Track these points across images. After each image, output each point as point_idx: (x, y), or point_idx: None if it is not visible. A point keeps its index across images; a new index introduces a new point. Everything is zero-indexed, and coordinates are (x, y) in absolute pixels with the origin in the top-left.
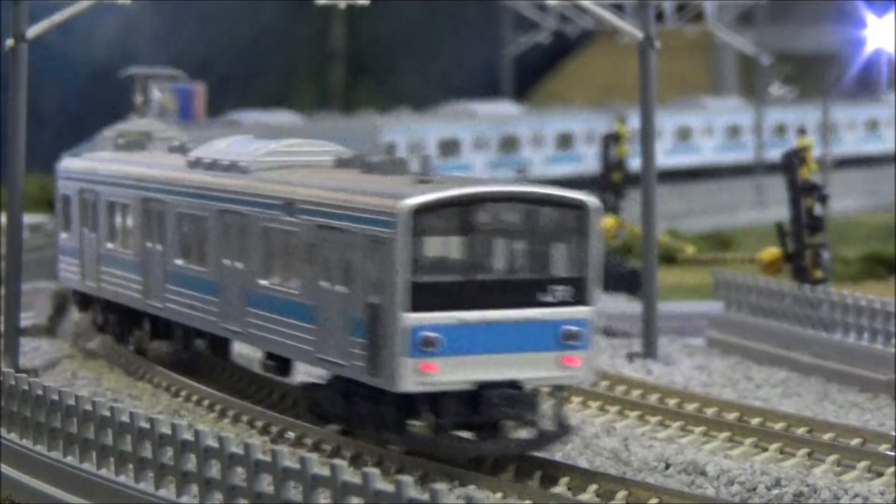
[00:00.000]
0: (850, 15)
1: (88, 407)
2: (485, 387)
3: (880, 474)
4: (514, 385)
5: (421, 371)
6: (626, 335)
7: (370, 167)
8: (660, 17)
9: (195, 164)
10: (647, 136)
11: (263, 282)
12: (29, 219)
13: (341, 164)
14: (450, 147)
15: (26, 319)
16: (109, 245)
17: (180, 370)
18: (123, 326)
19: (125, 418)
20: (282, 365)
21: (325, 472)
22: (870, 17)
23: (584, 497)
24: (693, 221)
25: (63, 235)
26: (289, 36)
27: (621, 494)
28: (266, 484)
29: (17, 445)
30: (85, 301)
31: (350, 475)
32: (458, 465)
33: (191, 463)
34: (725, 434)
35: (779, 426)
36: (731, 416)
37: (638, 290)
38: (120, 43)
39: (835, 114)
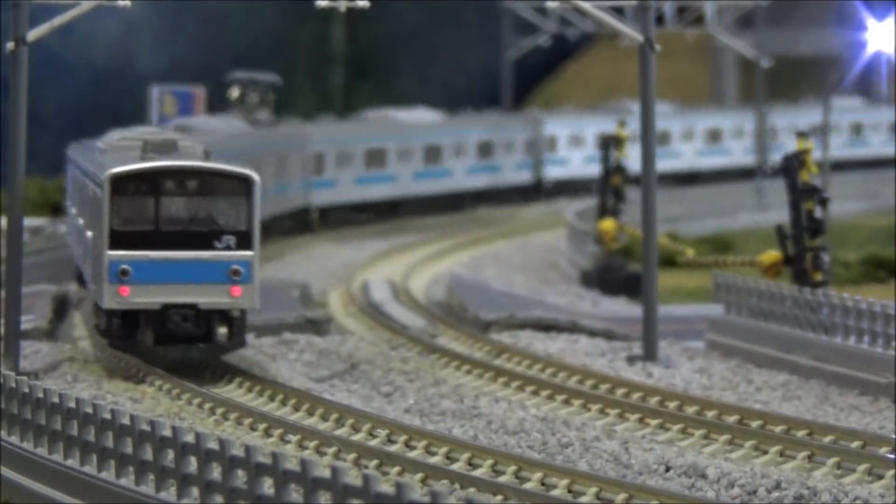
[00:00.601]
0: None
1: (89, 410)
2: (168, 307)
3: (880, 477)
4: (191, 307)
5: (118, 294)
6: (627, 338)
7: (148, 147)
8: (660, 20)
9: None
10: (647, 138)
11: (88, 233)
12: (29, 222)
13: (144, 147)
14: (375, 157)
15: (27, 322)
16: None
17: (181, 373)
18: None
19: (126, 421)
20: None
21: (327, 474)
22: (870, 21)
23: (584, 500)
24: (693, 224)
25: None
26: (289, 39)
27: (621, 497)
28: (267, 486)
29: (17, 448)
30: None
31: (351, 478)
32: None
33: (192, 465)
34: (726, 437)
35: (779, 429)
36: (732, 419)
37: (638, 293)
38: (120, 46)
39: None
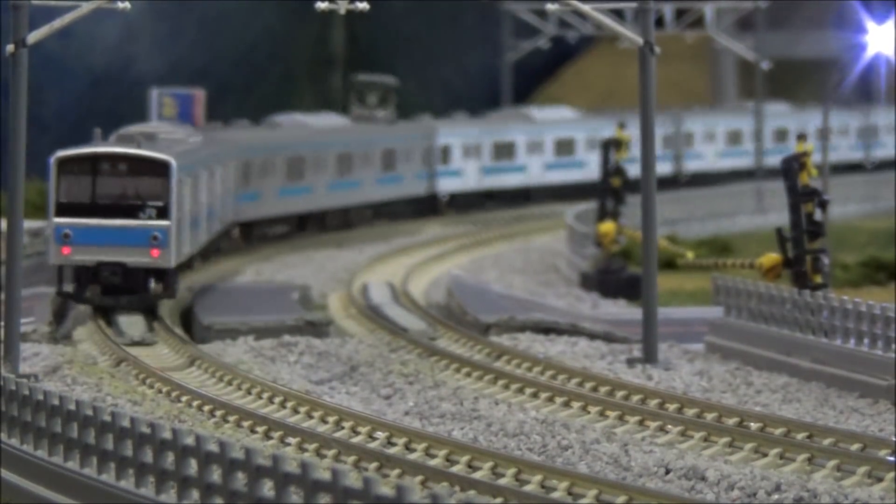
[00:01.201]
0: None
1: (89, 412)
2: (101, 265)
3: (880, 479)
4: (120, 265)
5: (61, 253)
6: (626, 340)
7: (119, 137)
8: (659, 22)
9: None
10: (646, 141)
11: None
12: (29, 224)
13: (118, 136)
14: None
15: (26, 325)
16: None
17: (180, 375)
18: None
19: (126, 423)
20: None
21: (327, 476)
22: (869, 23)
23: (583, 502)
24: (693, 227)
25: None
26: (288, 41)
27: (621, 500)
28: (267, 489)
29: (17, 450)
30: None
31: (351, 480)
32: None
33: (192, 468)
34: (725, 439)
35: (779, 431)
36: (731, 422)
37: (638, 296)
38: (120, 48)
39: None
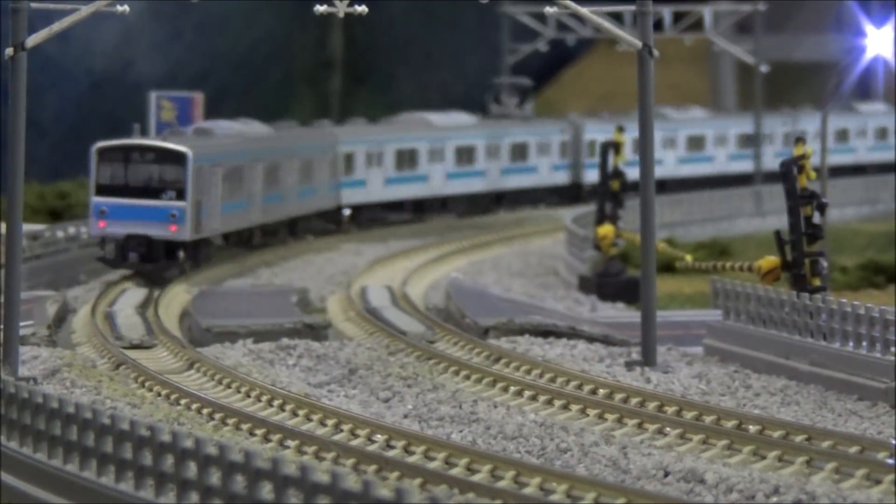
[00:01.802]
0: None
1: (88, 415)
2: (130, 236)
3: (879, 482)
4: (145, 237)
5: (99, 226)
6: (625, 343)
7: (168, 131)
8: (658, 25)
9: None
10: (644, 144)
11: None
12: (28, 228)
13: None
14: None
15: (25, 328)
16: None
17: (179, 378)
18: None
19: (125, 426)
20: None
21: (326, 479)
22: (868, 27)
23: None
24: (692, 230)
25: None
26: (287, 45)
27: (620, 502)
28: (266, 491)
29: (17, 453)
30: None
31: (350, 483)
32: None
33: (191, 471)
34: (724, 442)
35: (777, 434)
36: (730, 424)
37: (636, 299)
38: (119, 52)
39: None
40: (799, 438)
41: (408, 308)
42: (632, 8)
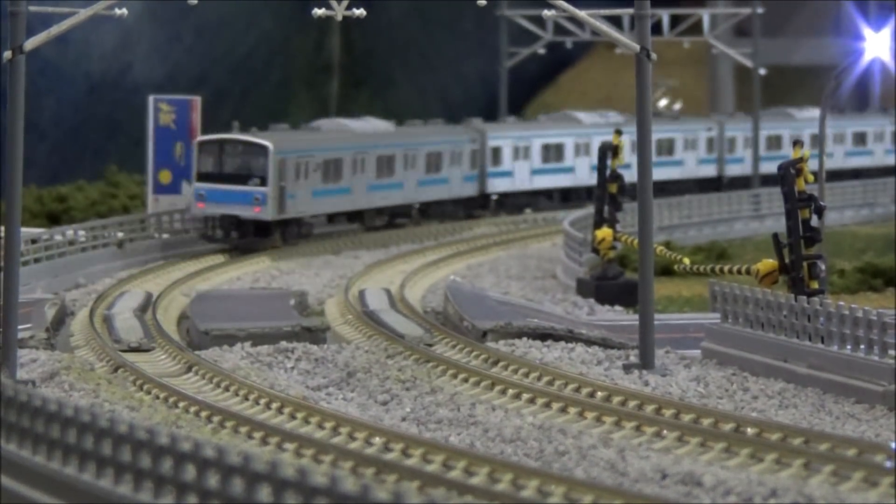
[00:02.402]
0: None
1: (87, 418)
2: (223, 217)
3: (877, 485)
4: (235, 217)
5: (199, 207)
6: (623, 346)
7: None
8: (657, 28)
9: None
10: (643, 147)
11: None
12: (26, 231)
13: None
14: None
15: (24, 331)
16: None
17: (177, 381)
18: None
19: (123, 429)
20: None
21: (324, 482)
22: (866, 30)
23: None
24: (690, 233)
25: None
26: (285, 48)
27: None
28: (265, 494)
29: (16, 456)
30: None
31: (348, 486)
32: None
33: (189, 473)
34: (722, 445)
35: (775, 437)
36: (728, 427)
37: (634, 302)
38: (117, 55)
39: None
40: (797, 441)
41: (406, 311)
42: (630, 11)
